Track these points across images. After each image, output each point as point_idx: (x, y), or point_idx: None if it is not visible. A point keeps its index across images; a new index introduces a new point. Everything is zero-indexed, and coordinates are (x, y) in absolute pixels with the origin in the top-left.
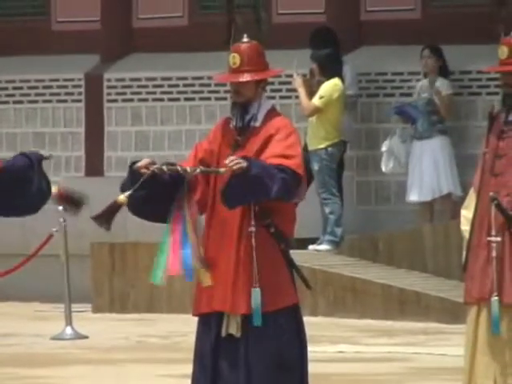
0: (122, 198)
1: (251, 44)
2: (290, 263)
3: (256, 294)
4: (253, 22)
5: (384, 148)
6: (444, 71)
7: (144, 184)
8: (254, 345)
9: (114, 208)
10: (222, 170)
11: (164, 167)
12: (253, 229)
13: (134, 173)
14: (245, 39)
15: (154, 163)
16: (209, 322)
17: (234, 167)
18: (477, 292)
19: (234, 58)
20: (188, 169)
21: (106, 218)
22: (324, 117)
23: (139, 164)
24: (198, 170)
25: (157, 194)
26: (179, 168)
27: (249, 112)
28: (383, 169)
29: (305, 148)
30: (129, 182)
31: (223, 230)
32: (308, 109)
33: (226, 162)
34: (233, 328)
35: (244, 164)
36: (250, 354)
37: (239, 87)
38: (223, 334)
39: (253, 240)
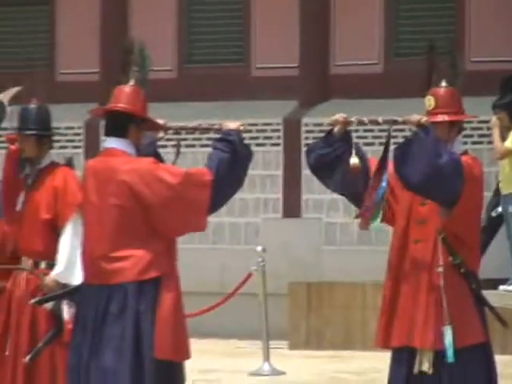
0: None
1: (448, 88)
2: (482, 302)
3: (448, 331)
4: (449, 68)
5: None
6: None
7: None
8: (445, 382)
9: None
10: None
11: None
12: (441, 269)
13: (328, 133)
14: (443, 83)
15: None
16: (401, 359)
17: (422, 120)
18: None
19: (430, 101)
20: (381, 119)
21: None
22: None
23: (335, 117)
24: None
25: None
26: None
27: None
28: None
29: (496, 192)
30: (322, 142)
31: (414, 268)
32: (500, 151)
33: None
34: (425, 365)
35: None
36: None
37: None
38: (415, 370)
39: (441, 281)
